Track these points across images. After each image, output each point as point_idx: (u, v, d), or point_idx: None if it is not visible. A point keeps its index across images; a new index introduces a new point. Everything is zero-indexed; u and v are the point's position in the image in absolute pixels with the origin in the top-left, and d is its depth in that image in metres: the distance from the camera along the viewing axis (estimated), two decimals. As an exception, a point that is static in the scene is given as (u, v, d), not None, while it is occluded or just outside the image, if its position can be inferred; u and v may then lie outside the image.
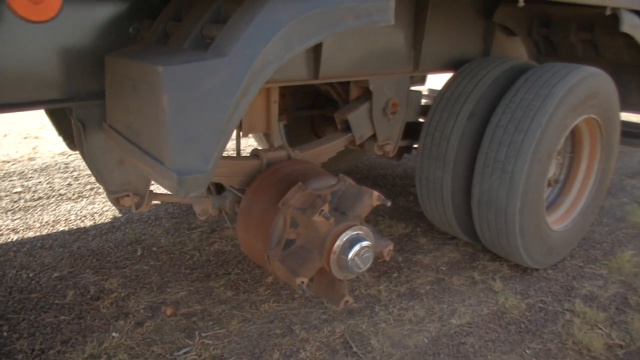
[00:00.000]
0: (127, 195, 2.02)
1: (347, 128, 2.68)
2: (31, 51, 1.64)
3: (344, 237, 1.99)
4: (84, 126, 1.80)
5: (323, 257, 2.00)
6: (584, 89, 2.52)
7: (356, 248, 1.98)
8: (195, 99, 1.23)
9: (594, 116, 2.71)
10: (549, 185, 2.87)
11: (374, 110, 2.64)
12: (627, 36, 2.82)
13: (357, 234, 2.01)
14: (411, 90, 2.83)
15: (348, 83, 2.72)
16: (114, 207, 3.63)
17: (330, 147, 2.66)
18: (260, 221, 2.11)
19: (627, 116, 3.25)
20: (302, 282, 1.94)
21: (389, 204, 2.08)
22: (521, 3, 2.16)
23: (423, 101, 3.00)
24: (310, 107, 3.83)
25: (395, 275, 2.74)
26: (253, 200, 2.19)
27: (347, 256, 1.97)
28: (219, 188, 2.53)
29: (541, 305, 2.48)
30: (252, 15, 1.26)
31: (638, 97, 3.27)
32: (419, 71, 2.77)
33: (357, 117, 2.63)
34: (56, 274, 2.74)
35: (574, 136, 2.92)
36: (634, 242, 3.13)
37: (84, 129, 1.81)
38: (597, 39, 3.05)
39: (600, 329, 2.30)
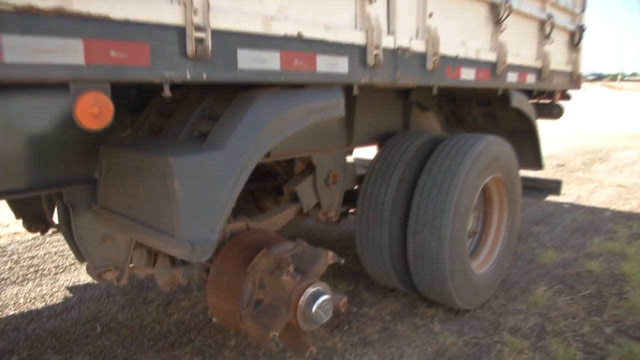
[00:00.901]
0: (109, 270, 2.25)
1: (294, 199, 3.06)
2: (29, 143, 1.92)
3: (308, 293, 2.32)
4: (73, 208, 2.06)
5: (290, 312, 2.32)
6: (489, 153, 3.10)
7: (319, 301, 2.31)
8: (200, 183, 1.57)
9: (499, 175, 3.29)
10: (470, 236, 3.38)
11: (317, 181, 3.05)
12: (517, 109, 3.50)
13: (318, 289, 2.36)
14: (347, 162, 3.29)
15: (293, 158, 3.14)
16: (63, 288, 3.72)
17: (282, 216, 3.02)
18: (231, 285, 2.40)
19: (525, 172, 3.91)
20: (275, 335, 2.24)
21: (342, 261, 2.46)
22: (434, 91, 2.72)
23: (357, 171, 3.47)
24: (250, 181, 4.19)
25: (347, 327, 3.07)
26: (222, 268, 2.48)
27: (312, 309, 2.30)
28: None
29: (475, 340, 2.91)
30: (242, 114, 1.65)
31: (531, 156, 3.95)
32: (352, 146, 3.26)
33: (304, 189, 3.03)
34: (15, 358, 2.81)
35: (485, 193, 3.48)
36: (544, 280, 3.69)
37: (73, 211, 2.06)
38: (495, 112, 3.72)
39: (525, 354, 2.75)
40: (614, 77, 57.11)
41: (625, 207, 5.88)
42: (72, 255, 4.33)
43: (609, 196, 6.46)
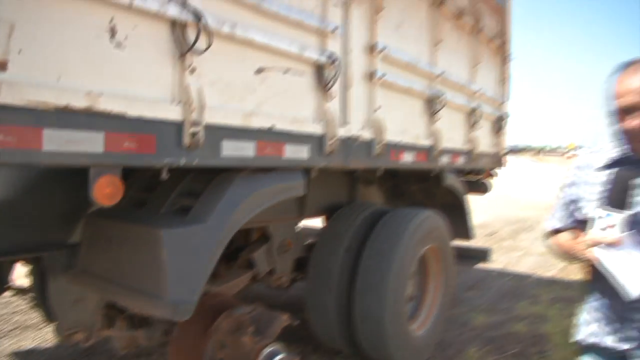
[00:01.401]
0: (78, 331, 2.42)
1: (249, 265, 3.32)
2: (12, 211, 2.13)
3: (265, 352, 2.56)
4: (50, 272, 2.26)
5: (250, 370, 2.54)
6: (425, 226, 3.51)
7: (279, 357, 2.56)
8: (185, 251, 1.84)
9: (434, 245, 3.70)
10: (409, 300, 3.73)
11: (272, 249, 3.34)
12: (450, 186, 3.99)
13: (275, 349, 2.61)
14: (298, 231, 3.61)
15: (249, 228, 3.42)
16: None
17: (238, 282, 3.27)
18: (194, 346, 2.60)
19: (458, 242, 4.35)
20: (235, 392, 2.45)
21: (296, 322, 2.74)
22: (380, 172, 3.14)
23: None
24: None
25: (297, 388, 3.28)
26: (185, 330, 2.68)
27: (273, 364, 2.54)
28: (140, 321, 2.96)
29: (414, 397, 3.19)
30: (222, 193, 1.96)
31: (462, 228, 4.42)
32: (304, 217, 3.59)
33: (260, 256, 3.30)
34: None
35: (423, 261, 3.87)
36: (476, 341, 4.06)
37: (49, 275, 2.26)
38: (431, 188, 4.19)
39: (459, 410, 3.06)
40: (539, 150, 61.49)
41: (548, 273, 6.47)
42: (14, 320, 4.34)
43: (534, 263, 7.07)
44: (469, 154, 4.16)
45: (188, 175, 2.18)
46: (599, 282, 1.63)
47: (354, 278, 3.35)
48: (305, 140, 2.32)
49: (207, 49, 1.77)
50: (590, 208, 1.67)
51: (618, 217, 1.51)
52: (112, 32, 1.56)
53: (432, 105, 3.47)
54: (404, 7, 3.14)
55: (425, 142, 3.46)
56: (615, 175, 1.60)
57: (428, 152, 3.50)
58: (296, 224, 3.57)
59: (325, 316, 3.43)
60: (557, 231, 1.86)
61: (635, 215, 1.58)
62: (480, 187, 4.94)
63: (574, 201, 1.79)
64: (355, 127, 2.68)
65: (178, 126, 1.73)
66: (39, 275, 2.31)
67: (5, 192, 2.13)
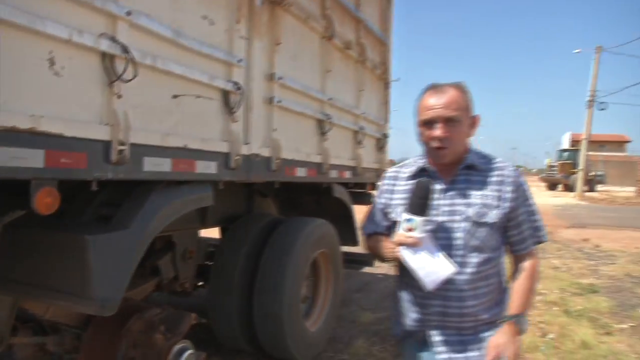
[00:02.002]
0: (-8, 339, 2.52)
1: (154, 272, 3.54)
2: None
3: (176, 348, 2.82)
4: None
5: (160, 366, 2.78)
6: (317, 233, 3.95)
7: (185, 355, 2.83)
8: (109, 255, 2.08)
9: (325, 250, 4.14)
10: (304, 300, 4.13)
11: (176, 257, 3.59)
12: (338, 198, 4.48)
13: (184, 345, 2.87)
14: (201, 239, 3.89)
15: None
16: None
17: (144, 288, 3.47)
18: (106, 348, 2.78)
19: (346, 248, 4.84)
20: (148, 386, 2.68)
21: (203, 320, 3.02)
22: (276, 185, 3.53)
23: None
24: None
25: (201, 385, 3.53)
26: (97, 333, 2.85)
27: (182, 360, 2.80)
28: (49, 328, 3.06)
29: (308, 386, 3.58)
30: (142, 202, 2.22)
31: (349, 234, 4.92)
32: (205, 227, 3.87)
33: (165, 263, 3.53)
34: None
35: (315, 265, 4.30)
36: (363, 335, 4.56)
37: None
38: (321, 200, 4.65)
39: (346, 393, 3.50)
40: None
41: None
42: None
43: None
44: (354, 169, 4.68)
45: (106, 187, 2.41)
46: (405, 276, 1.87)
47: (254, 281, 3.68)
48: (214, 157, 2.65)
49: (132, 78, 2.05)
50: (398, 213, 1.88)
51: (417, 221, 1.71)
52: (51, 62, 1.80)
53: (322, 127, 3.93)
54: (299, 40, 3.58)
55: (316, 158, 3.90)
56: (416, 184, 1.77)
57: (318, 167, 3.95)
58: (198, 233, 3.84)
59: (227, 317, 3.72)
60: (373, 234, 2.05)
61: (430, 219, 1.79)
62: (365, 199, 5.50)
63: (386, 207, 1.98)
64: (256, 146, 3.05)
65: (107, 145, 1.99)
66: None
67: None
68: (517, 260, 1.92)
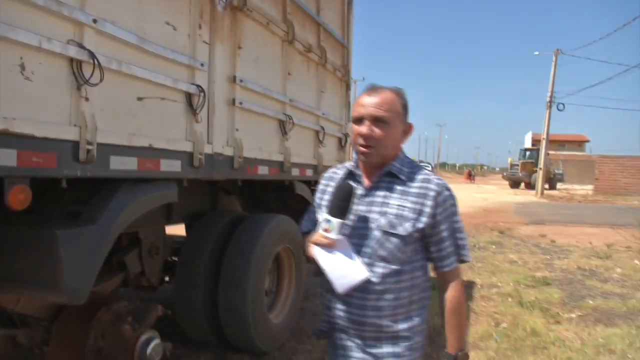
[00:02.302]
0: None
1: (121, 267, 3.65)
2: None
3: (143, 338, 2.95)
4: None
5: (128, 355, 2.91)
6: (279, 229, 4.12)
7: (152, 345, 2.96)
8: (78, 248, 2.22)
9: (288, 245, 4.32)
10: (267, 294, 4.30)
11: (142, 252, 3.70)
12: (300, 195, 4.66)
13: (151, 335, 3.01)
14: (167, 236, 4.01)
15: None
16: None
17: (111, 282, 3.58)
18: (75, 339, 2.90)
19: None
20: (116, 375, 2.81)
21: (170, 312, 3.16)
22: (239, 183, 3.69)
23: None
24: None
25: (167, 377, 3.67)
26: (65, 325, 2.96)
27: (147, 351, 2.93)
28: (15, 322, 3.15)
29: (272, 374, 3.76)
30: (109, 199, 2.36)
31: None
32: (171, 223, 4.00)
33: (131, 259, 3.65)
34: None
35: (278, 260, 4.47)
36: (323, 328, 4.75)
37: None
38: (284, 197, 4.82)
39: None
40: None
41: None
42: None
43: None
44: (316, 167, 4.87)
45: (74, 185, 2.54)
46: (322, 277, 1.81)
47: (219, 276, 3.83)
48: (178, 156, 2.80)
49: (99, 82, 2.19)
50: (321, 214, 1.85)
51: (334, 223, 1.66)
52: (22, 68, 1.93)
53: (284, 127, 4.11)
54: (261, 44, 3.75)
55: (278, 157, 4.08)
56: (338, 186, 1.77)
57: (280, 166, 4.13)
58: (163, 229, 3.96)
59: (193, 311, 3.86)
60: (307, 233, 1.99)
61: (348, 223, 1.74)
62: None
63: (318, 207, 1.97)
64: (219, 145, 3.21)
65: (75, 145, 2.13)
66: None
67: None
68: (440, 277, 1.85)
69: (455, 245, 1.80)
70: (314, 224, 1.90)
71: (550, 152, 31.04)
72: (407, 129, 1.85)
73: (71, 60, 2.11)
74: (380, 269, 1.74)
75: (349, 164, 1.94)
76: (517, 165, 36.70)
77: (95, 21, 2.18)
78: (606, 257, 9.02)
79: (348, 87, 5.91)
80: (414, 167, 1.84)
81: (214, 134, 3.15)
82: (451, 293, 1.81)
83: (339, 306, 1.80)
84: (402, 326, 1.80)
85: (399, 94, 1.80)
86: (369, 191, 1.81)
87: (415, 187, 1.77)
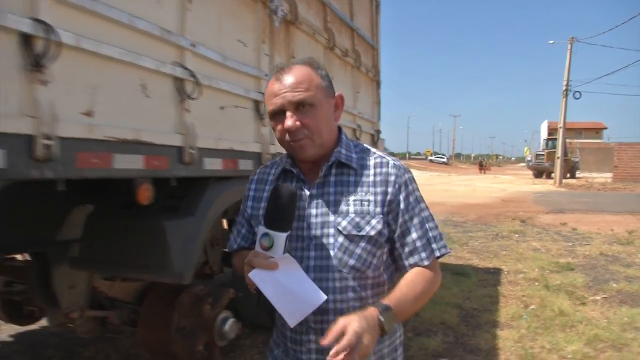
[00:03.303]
0: (74, 311, 3.08)
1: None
2: (27, 220, 2.79)
3: (220, 317, 3.40)
4: (55, 264, 2.92)
5: (207, 332, 3.36)
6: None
7: (228, 323, 3.41)
8: (182, 237, 2.66)
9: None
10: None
11: (206, 244, 4.15)
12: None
13: (226, 315, 3.46)
14: (224, 229, 4.45)
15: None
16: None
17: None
18: (162, 318, 3.35)
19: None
20: (200, 349, 3.27)
21: (241, 294, 3.60)
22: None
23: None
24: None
25: (232, 354, 4.13)
26: (152, 307, 3.42)
27: (224, 328, 3.38)
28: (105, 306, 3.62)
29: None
30: (201, 195, 2.81)
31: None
32: (226, 217, 4.44)
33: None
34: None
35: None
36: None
37: (55, 266, 2.92)
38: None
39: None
40: (402, 156, 66.78)
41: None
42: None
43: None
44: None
45: (164, 184, 2.98)
46: (267, 305, 1.41)
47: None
48: (250, 156, 3.25)
49: (198, 97, 2.63)
50: (256, 226, 1.51)
51: (274, 237, 1.32)
52: (144, 88, 2.37)
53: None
54: (308, 52, 4.17)
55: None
56: (272, 190, 1.39)
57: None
58: (222, 223, 4.41)
59: (250, 296, 4.29)
60: (239, 250, 1.65)
61: (295, 237, 1.44)
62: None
63: (250, 218, 1.61)
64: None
65: (180, 149, 2.57)
66: (40, 268, 2.95)
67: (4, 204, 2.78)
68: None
69: (425, 238, 1.48)
70: (245, 238, 1.63)
71: (568, 140, 31.15)
72: (338, 102, 1.53)
73: (176, 78, 2.55)
74: (353, 281, 1.43)
75: (280, 160, 1.61)
76: (543, 155, 36.91)
77: (193, 45, 2.62)
78: (628, 243, 9.35)
79: (378, 85, 6.32)
80: (362, 150, 1.55)
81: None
82: (428, 272, 1.48)
83: (307, 337, 1.47)
84: (379, 346, 1.48)
85: (313, 64, 1.48)
86: (318, 189, 1.47)
87: (371, 174, 1.48)
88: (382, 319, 1.30)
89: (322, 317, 1.41)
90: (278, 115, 1.43)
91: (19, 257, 3.47)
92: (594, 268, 7.47)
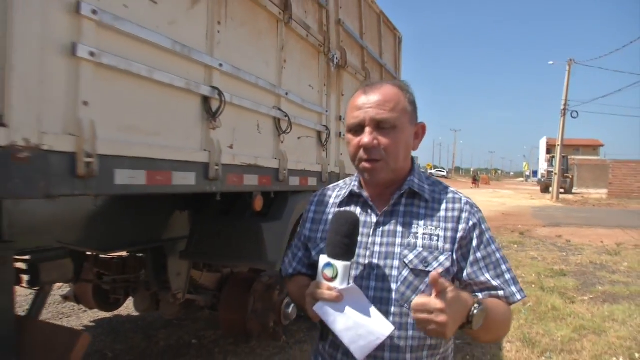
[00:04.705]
0: (179, 293, 4.01)
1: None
2: (153, 222, 3.74)
3: (285, 302, 4.33)
4: (170, 256, 3.85)
5: (276, 313, 4.28)
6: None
7: (291, 307, 4.34)
8: (273, 235, 3.61)
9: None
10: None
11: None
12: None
13: (289, 300, 4.38)
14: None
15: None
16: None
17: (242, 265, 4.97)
18: (240, 302, 4.26)
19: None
20: (272, 326, 4.20)
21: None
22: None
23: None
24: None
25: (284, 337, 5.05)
26: (231, 293, 4.33)
27: (288, 311, 4.31)
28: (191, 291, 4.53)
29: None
30: (285, 204, 3.75)
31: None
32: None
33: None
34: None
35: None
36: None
37: (170, 257, 3.85)
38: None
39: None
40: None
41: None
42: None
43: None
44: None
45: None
46: (334, 339, 1.37)
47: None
48: (315, 174, 4.21)
49: (290, 131, 3.59)
50: (318, 253, 1.47)
51: (337, 268, 1.27)
52: (258, 127, 3.32)
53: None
54: (351, 89, 5.15)
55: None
56: (335, 217, 1.35)
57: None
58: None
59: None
60: (294, 275, 1.64)
61: (357, 263, 1.40)
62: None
63: (309, 241, 1.58)
64: (332, 165, 4.60)
65: (276, 171, 3.53)
66: (155, 259, 3.89)
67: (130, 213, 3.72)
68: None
69: (503, 278, 1.41)
70: (302, 263, 1.61)
71: (572, 157, 31.98)
72: (419, 131, 1.49)
73: (275, 118, 3.50)
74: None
75: (343, 183, 1.62)
76: (552, 171, 38.35)
77: (287, 94, 3.58)
78: (615, 254, 10.35)
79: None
80: (434, 182, 1.52)
81: (331, 158, 4.55)
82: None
83: None
84: None
85: (403, 87, 1.45)
86: (386, 218, 1.44)
87: (443, 208, 1.44)
88: (475, 311, 1.26)
89: (376, 352, 1.31)
90: (356, 129, 1.40)
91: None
92: (584, 274, 8.44)
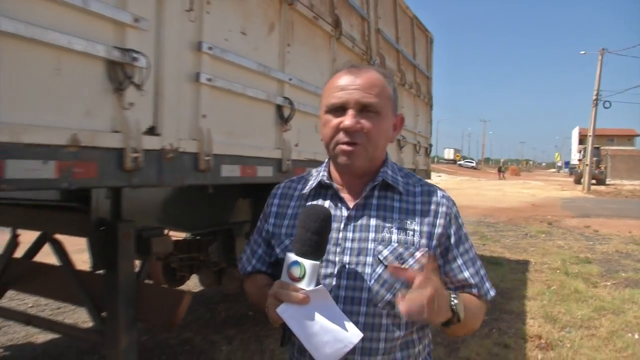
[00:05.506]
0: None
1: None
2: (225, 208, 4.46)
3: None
4: (237, 236, 4.57)
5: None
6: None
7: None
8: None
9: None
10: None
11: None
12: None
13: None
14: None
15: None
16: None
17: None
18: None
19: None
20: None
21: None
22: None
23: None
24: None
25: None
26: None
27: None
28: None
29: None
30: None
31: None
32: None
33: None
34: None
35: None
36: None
37: (237, 238, 4.57)
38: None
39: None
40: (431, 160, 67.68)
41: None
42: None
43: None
44: (414, 170, 6.87)
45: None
46: (296, 344, 1.33)
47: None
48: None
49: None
50: (283, 250, 1.36)
51: (305, 267, 1.15)
52: (316, 128, 3.99)
53: (400, 144, 6.14)
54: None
55: (410, 165, 6.12)
56: (304, 211, 1.22)
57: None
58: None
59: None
60: (252, 273, 1.52)
61: (327, 261, 1.29)
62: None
63: (271, 237, 1.46)
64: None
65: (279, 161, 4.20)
66: (225, 239, 4.61)
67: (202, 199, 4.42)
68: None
69: (478, 276, 1.40)
70: (262, 260, 1.50)
71: (604, 147, 31.94)
72: (397, 123, 1.44)
73: (277, 106, 4.14)
74: (388, 319, 1.29)
75: (308, 175, 1.54)
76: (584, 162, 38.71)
77: (290, 79, 4.23)
78: (642, 244, 10.77)
79: (431, 108, 7.91)
80: (407, 175, 1.46)
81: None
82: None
83: None
84: None
85: (386, 75, 1.41)
86: (356, 211, 1.35)
87: (418, 202, 1.38)
88: (455, 300, 1.24)
89: (346, 356, 1.22)
90: (337, 110, 1.31)
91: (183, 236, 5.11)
92: (608, 262, 8.93)
